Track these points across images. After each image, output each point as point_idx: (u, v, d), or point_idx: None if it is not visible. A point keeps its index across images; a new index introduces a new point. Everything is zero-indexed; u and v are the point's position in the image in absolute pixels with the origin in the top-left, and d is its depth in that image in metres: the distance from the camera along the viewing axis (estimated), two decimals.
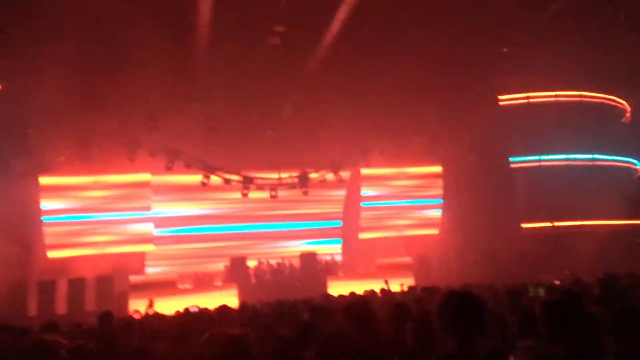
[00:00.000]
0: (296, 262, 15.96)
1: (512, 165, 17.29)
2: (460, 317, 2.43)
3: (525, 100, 17.29)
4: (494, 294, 6.91)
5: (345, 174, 16.95)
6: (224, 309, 7.28)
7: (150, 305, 6.35)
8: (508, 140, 16.56)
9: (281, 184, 16.19)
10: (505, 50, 13.48)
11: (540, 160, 17.40)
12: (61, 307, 13.00)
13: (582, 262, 13.36)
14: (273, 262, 15.99)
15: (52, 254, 14.41)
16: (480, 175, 16.08)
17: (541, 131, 16.25)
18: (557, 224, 16.71)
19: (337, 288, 13.36)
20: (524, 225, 16.63)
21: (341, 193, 18.00)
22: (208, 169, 15.10)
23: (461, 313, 2.44)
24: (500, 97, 16.94)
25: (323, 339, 2.66)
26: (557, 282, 10.52)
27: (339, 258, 17.49)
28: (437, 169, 18.08)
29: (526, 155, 17.37)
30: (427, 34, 11.77)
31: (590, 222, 16.55)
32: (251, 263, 15.65)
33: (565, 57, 14.29)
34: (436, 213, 18.08)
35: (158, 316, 8.09)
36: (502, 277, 10.75)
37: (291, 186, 16.29)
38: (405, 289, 10.07)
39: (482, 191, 15.87)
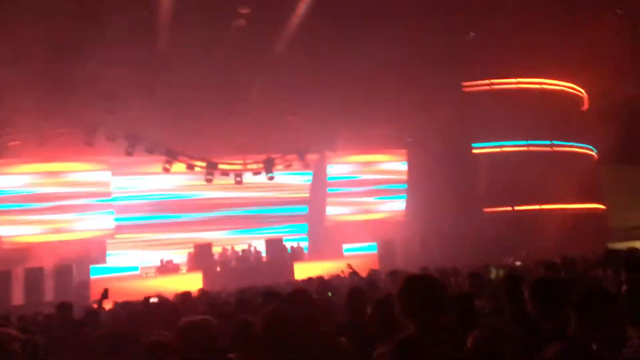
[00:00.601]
0: (262, 249, 15.86)
1: (475, 151, 17.62)
2: (419, 300, 2.44)
3: (488, 87, 17.59)
4: (455, 277, 7.05)
5: (311, 159, 16.91)
6: (185, 296, 7.21)
7: (105, 296, 6.16)
8: (471, 127, 16.83)
9: (246, 170, 16.02)
10: (472, 34, 13.57)
11: (501, 146, 17.80)
12: (18, 298, 12.56)
13: (541, 245, 13.78)
14: (238, 248, 15.85)
15: (6, 242, 13.87)
16: (443, 161, 16.33)
17: (503, 118, 16.58)
18: (517, 208, 17.18)
19: (304, 272, 13.43)
20: (486, 210, 17.01)
21: (307, 178, 17.97)
22: (170, 154, 14.77)
23: (420, 296, 2.45)
24: (464, 83, 17.17)
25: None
26: (517, 263, 10.85)
27: (305, 243, 17.51)
28: (402, 154, 18.26)
29: (488, 141, 17.72)
30: (393, 20, 11.77)
31: (549, 206, 17.10)
32: (216, 250, 15.46)
33: (528, 44, 14.59)
34: (401, 198, 18.30)
35: (121, 305, 7.92)
36: (465, 260, 10.98)
37: (257, 172, 16.15)
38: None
39: (445, 176, 16.12)
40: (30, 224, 14.37)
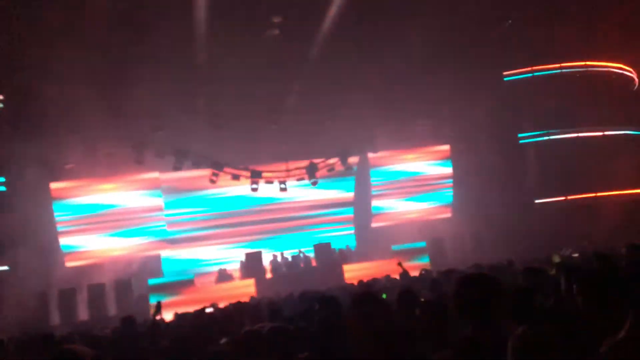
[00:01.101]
0: (311, 254, 15.97)
1: (522, 141, 17.11)
2: (475, 300, 2.41)
3: (531, 74, 17.04)
4: (511, 272, 6.87)
5: (353, 161, 16.91)
6: (239, 305, 7.39)
7: (158, 309, 6.36)
8: (515, 116, 16.38)
9: (289, 176, 16.19)
10: (509, 21, 13.23)
11: (549, 134, 17.20)
12: (83, 314, 13.16)
13: (599, 234, 13.23)
14: (288, 255, 16.03)
15: (70, 263, 14.60)
16: (489, 153, 15.93)
17: (548, 104, 16.06)
18: (571, 197, 16.55)
19: (354, 274, 13.44)
20: (538, 201, 16.48)
21: (350, 180, 17.96)
22: (216, 166, 15.14)
23: (477, 296, 2.42)
24: (505, 72, 16.72)
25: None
26: (574, 255, 10.45)
27: (353, 246, 17.49)
28: (446, 149, 17.97)
29: (535, 129, 17.17)
30: (428, 12, 11.64)
31: (605, 193, 16.37)
32: (266, 257, 15.70)
33: (569, 26, 14.09)
34: (447, 194, 18.00)
35: (179, 317, 8.18)
36: (519, 254, 10.69)
37: (300, 177, 16.30)
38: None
39: (492, 169, 15.74)
40: (89, 241, 15.06)
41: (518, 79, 16.94)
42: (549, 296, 4.23)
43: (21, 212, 12.41)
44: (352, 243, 17.69)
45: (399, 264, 9.88)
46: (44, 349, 4.01)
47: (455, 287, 2.54)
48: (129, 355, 4.48)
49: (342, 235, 17.68)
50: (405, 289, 4.42)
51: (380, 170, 17.85)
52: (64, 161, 13.31)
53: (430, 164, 18.12)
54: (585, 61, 17.13)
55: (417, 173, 18.01)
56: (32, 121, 11.61)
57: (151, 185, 15.66)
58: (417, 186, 17.97)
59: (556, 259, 7.94)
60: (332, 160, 16.42)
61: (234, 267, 15.74)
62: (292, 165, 16.26)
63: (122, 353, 4.65)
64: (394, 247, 15.49)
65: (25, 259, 12.22)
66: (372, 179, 17.77)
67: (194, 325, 6.67)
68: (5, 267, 12.46)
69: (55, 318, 12.73)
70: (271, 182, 16.10)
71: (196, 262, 16.34)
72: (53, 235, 14.43)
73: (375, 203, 17.87)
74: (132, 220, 15.47)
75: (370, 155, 17.42)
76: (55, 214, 14.54)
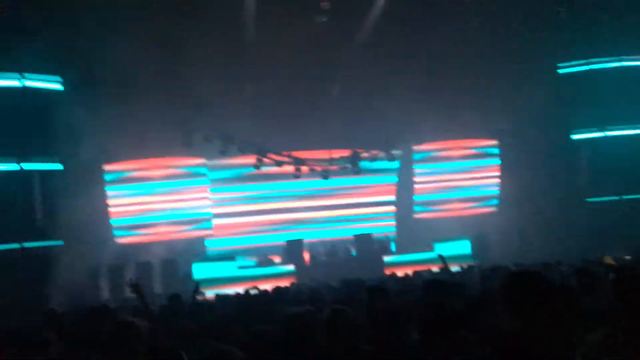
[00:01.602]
0: (351, 244, 15.98)
1: (575, 137, 16.43)
2: (523, 296, 2.35)
3: (587, 67, 16.28)
4: (560, 272, 6.68)
5: (397, 152, 16.73)
6: (278, 289, 7.53)
7: (197, 288, 6.56)
8: (569, 111, 15.73)
9: (333, 165, 16.21)
10: (561, 10, 12.65)
11: (604, 131, 16.43)
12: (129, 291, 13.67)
13: None
14: (328, 243, 16.11)
15: (120, 240, 15.23)
16: (540, 149, 15.39)
17: (605, 100, 15.33)
18: (625, 197, 15.80)
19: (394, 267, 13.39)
20: (589, 200, 15.83)
21: (394, 171, 17.79)
22: (261, 152, 15.34)
23: (525, 292, 2.36)
24: (560, 64, 16.05)
25: None
26: (627, 257, 10.00)
27: (394, 238, 17.38)
28: (494, 143, 17.50)
29: (589, 126, 16.44)
30: (479, 2, 11.32)
31: None
32: (307, 245, 15.84)
33: (627, 19, 13.37)
34: (494, 189, 17.57)
35: (221, 297, 8.39)
36: (567, 254, 10.34)
37: (343, 166, 16.29)
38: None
39: (542, 165, 15.20)
40: (139, 221, 15.68)
41: (573, 71, 16.23)
42: (601, 299, 4.08)
43: (75, 190, 12.95)
44: (393, 235, 17.56)
45: (440, 257, 9.70)
46: (99, 320, 4.21)
47: (504, 282, 2.49)
48: (174, 331, 4.62)
49: (383, 227, 17.58)
50: (433, 280, 4.42)
51: (424, 163, 17.59)
52: (117, 142, 13.75)
53: (477, 157, 17.71)
54: None
55: (463, 164, 17.64)
56: (89, 103, 12.06)
57: (198, 170, 16.08)
58: (463, 179, 17.63)
59: (608, 260, 7.63)
60: (375, 151, 16.31)
61: (275, 252, 15.97)
62: (336, 153, 16.26)
63: (169, 328, 4.81)
64: (436, 243, 15.24)
65: (79, 235, 12.79)
66: (415, 170, 17.55)
67: (237, 305, 6.86)
68: (59, 242, 13.08)
69: (105, 293, 13.33)
70: (314, 170, 16.17)
71: (238, 245, 16.65)
72: (105, 213, 15.07)
73: (418, 195, 17.66)
74: (179, 202, 15.95)
75: (415, 146, 17.19)
76: (108, 192, 15.18)
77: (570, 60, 16.14)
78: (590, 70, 16.25)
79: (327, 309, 3.16)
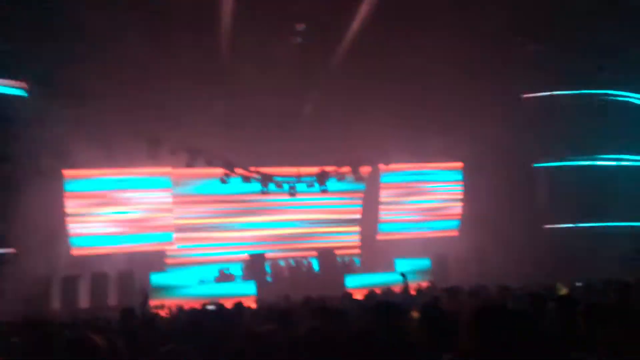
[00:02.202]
0: (314, 260, 15.96)
1: (535, 165, 16.98)
2: (495, 335, 2.36)
3: (550, 98, 16.93)
4: (514, 298, 6.80)
5: (364, 172, 16.91)
6: (240, 306, 7.39)
7: (146, 300, 6.42)
8: (531, 138, 16.28)
9: (300, 182, 16.23)
10: (532, 45, 13.20)
11: (564, 160, 17.06)
12: (84, 301, 13.25)
13: (608, 266, 13.06)
14: (291, 260, 16.04)
15: (76, 251, 14.75)
16: (501, 175, 15.84)
17: (566, 129, 15.95)
18: (581, 225, 16.36)
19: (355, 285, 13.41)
20: (547, 226, 16.32)
21: (360, 191, 17.94)
22: (228, 166, 15.22)
23: (497, 332, 2.37)
24: (524, 95, 16.64)
25: None
26: (578, 284, 10.30)
27: (357, 257, 17.44)
28: (458, 167, 17.91)
29: (549, 154, 17.03)
30: (450, 30, 11.64)
31: (618, 223, 16.16)
32: (269, 260, 15.72)
33: (593, 53, 14.03)
34: (456, 213, 17.91)
35: (179, 310, 8.20)
36: (523, 279, 10.59)
37: (310, 184, 16.33)
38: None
39: (503, 191, 15.63)
40: (96, 231, 15.22)
41: (536, 102, 16.83)
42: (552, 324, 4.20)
43: (31, 196, 12.53)
44: (356, 254, 17.64)
45: (402, 275, 9.77)
46: (35, 334, 4.01)
47: (475, 317, 2.48)
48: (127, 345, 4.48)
49: (347, 246, 17.63)
50: (385, 302, 4.44)
51: (390, 182, 17.82)
52: (78, 149, 13.41)
53: (440, 181, 18.07)
54: (605, 89, 16.98)
55: (428, 189, 17.95)
56: (52, 108, 11.75)
57: (162, 182, 15.82)
58: (427, 201, 17.92)
59: (561, 290, 7.82)
60: (343, 169, 16.44)
61: (236, 267, 15.77)
62: (303, 170, 16.30)
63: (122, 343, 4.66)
64: (397, 261, 15.41)
65: (32, 244, 12.33)
66: (381, 191, 17.75)
67: (191, 320, 6.70)
68: (11, 250, 12.58)
69: (57, 303, 12.86)
70: (281, 186, 16.14)
71: (199, 260, 16.37)
72: (61, 222, 14.59)
73: (382, 215, 17.84)
74: (141, 211, 15.60)
75: (382, 167, 17.42)
76: (65, 198, 14.73)
77: (534, 91, 16.75)
78: (552, 101, 16.90)
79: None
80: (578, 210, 16.20)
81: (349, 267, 16.23)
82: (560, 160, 17.04)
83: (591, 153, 16.86)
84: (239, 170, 15.48)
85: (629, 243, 14.91)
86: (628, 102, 17.38)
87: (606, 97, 17.00)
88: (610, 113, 16.39)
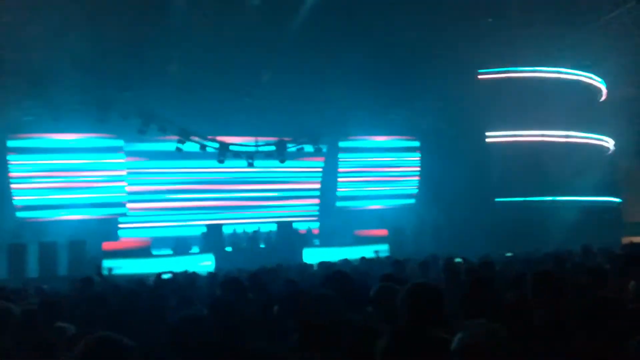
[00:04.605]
0: (273, 231, 15.95)
1: (488, 140, 17.44)
2: (421, 311, 2.51)
3: (504, 75, 17.32)
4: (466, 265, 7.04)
5: (323, 144, 16.89)
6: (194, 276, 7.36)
7: (98, 271, 6.29)
8: (485, 114, 16.66)
9: (258, 152, 16.03)
10: (490, 19, 13.37)
11: (515, 135, 17.58)
12: (33, 270, 12.77)
13: (553, 238, 13.71)
14: (249, 230, 15.96)
15: (21, 214, 14.10)
16: (456, 148, 16.19)
17: (518, 106, 16.40)
18: (529, 198, 17.03)
19: (313, 257, 13.50)
20: (498, 200, 16.89)
21: (319, 164, 17.94)
22: (183, 134, 14.78)
23: (422, 308, 2.51)
24: (480, 71, 16.94)
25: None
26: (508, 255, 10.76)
27: (315, 228, 17.56)
28: (415, 141, 18.16)
29: (502, 129, 17.51)
30: (410, 2, 11.62)
31: (563, 197, 16.92)
32: (227, 230, 15.59)
33: (546, 32, 14.37)
34: (413, 185, 18.24)
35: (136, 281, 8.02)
36: (475, 250, 10.95)
37: (268, 154, 16.15)
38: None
39: (458, 164, 16.01)
40: (45, 197, 14.57)
41: (491, 78, 17.18)
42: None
43: None
44: (315, 226, 17.74)
45: (376, 252, 10.03)
46: None
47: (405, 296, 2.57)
48: (84, 315, 4.33)
49: (306, 218, 17.70)
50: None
51: (349, 155, 17.89)
52: (23, 113, 12.72)
53: (398, 154, 18.29)
54: (558, 68, 17.52)
55: (385, 162, 18.15)
56: None
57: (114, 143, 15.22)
58: (384, 174, 18.14)
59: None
60: (302, 140, 16.34)
61: (193, 237, 15.56)
62: (262, 140, 16.10)
63: (79, 313, 4.50)
64: (356, 234, 15.66)
65: None
66: (340, 163, 17.81)
67: (151, 288, 6.58)
68: None
69: (2, 272, 12.35)
70: (239, 156, 15.90)
71: (155, 230, 16.04)
72: (5, 185, 13.91)
73: (341, 188, 17.95)
74: (92, 178, 15.03)
75: (341, 139, 17.43)
76: (10, 162, 14.00)
77: (489, 67, 17.07)
78: (508, 77, 17.30)
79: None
80: (527, 184, 16.80)
81: (307, 239, 16.31)
82: (511, 135, 17.55)
83: (542, 128, 17.42)
84: (194, 138, 15.09)
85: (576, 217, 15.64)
86: (579, 82, 18.01)
87: (557, 75, 17.54)
88: (561, 92, 16.93)
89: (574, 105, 16.86)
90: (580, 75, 17.99)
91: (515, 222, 15.41)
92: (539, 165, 16.48)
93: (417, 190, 18.12)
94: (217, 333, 2.90)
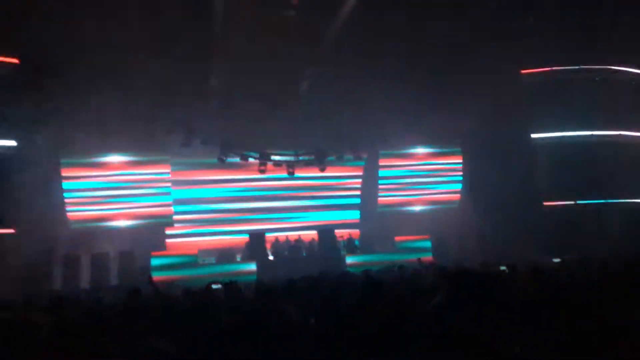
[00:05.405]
0: (314, 239, 15.98)
1: (534, 141, 16.86)
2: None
3: (549, 73, 16.72)
4: (514, 274, 6.81)
5: (363, 152, 16.82)
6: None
7: (150, 281, 6.43)
8: (530, 115, 16.15)
9: (298, 162, 16.14)
10: (532, 18, 13.00)
11: (563, 136, 16.93)
12: (85, 282, 13.29)
13: (607, 243, 13.09)
14: (291, 238, 16.07)
15: (76, 227, 14.74)
16: (500, 152, 15.74)
17: (565, 106, 15.81)
18: (581, 202, 16.33)
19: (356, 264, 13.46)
20: (547, 203, 16.29)
21: (359, 171, 17.89)
22: (225, 146, 15.11)
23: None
24: (523, 70, 16.45)
25: None
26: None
27: (357, 236, 17.47)
28: (457, 144, 17.82)
29: (549, 130, 16.90)
30: (450, 5, 11.45)
31: (616, 200, 16.12)
32: (270, 238, 15.75)
33: (592, 27, 13.84)
34: (455, 191, 17.88)
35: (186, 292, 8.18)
36: (523, 256, 10.61)
37: (308, 163, 16.24)
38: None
39: (502, 168, 15.56)
40: (96, 212, 15.21)
41: (536, 77, 16.64)
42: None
43: (30, 175, 12.47)
44: (356, 233, 17.68)
45: (419, 260, 9.97)
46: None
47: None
48: (134, 326, 4.45)
49: (347, 224, 17.66)
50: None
51: (389, 162, 17.75)
52: (75, 130, 13.31)
53: (440, 159, 18.00)
54: (607, 65, 16.77)
55: (427, 165, 17.89)
56: (49, 88, 11.61)
57: (160, 161, 15.74)
58: (426, 179, 17.87)
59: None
60: (342, 151, 16.35)
61: (236, 247, 15.81)
62: (302, 151, 16.21)
63: (128, 324, 4.63)
64: (399, 241, 15.47)
65: (32, 223, 12.32)
66: (380, 170, 17.69)
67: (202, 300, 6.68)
68: (10, 230, 12.57)
69: (57, 284, 12.90)
70: (279, 166, 16.07)
71: (200, 239, 16.40)
72: (60, 201, 14.58)
73: (382, 194, 17.80)
74: (140, 191, 15.56)
75: (381, 146, 17.31)
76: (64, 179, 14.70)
77: (533, 66, 16.54)
78: (552, 76, 16.69)
79: None
80: (576, 187, 16.13)
81: (349, 247, 16.24)
82: (560, 136, 16.89)
83: (592, 127, 16.69)
84: (235, 150, 15.38)
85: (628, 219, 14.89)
86: (629, 77, 17.17)
87: (606, 71, 16.79)
88: (610, 89, 16.21)
89: (625, 103, 16.10)
90: (631, 71, 17.15)
91: (564, 227, 14.81)
92: (590, 166, 15.80)
93: (459, 195, 17.74)
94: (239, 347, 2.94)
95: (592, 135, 16.74)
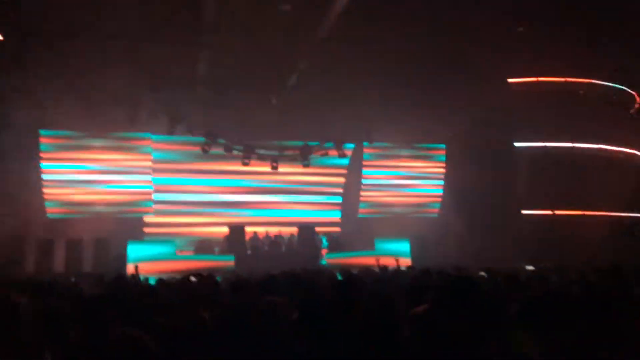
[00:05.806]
0: (294, 234, 15.92)
1: (516, 149, 17.09)
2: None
3: (535, 83, 16.96)
4: (492, 278, 6.89)
5: (347, 149, 16.82)
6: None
7: (136, 272, 6.35)
8: (514, 123, 16.35)
9: (282, 156, 16.06)
10: (521, 28, 13.14)
11: (545, 146, 17.19)
12: (59, 267, 13.04)
13: (582, 253, 13.33)
14: (271, 233, 15.99)
15: (51, 215, 14.43)
16: (483, 157, 15.91)
17: (548, 116, 16.05)
18: (558, 212, 16.61)
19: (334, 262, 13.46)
20: (524, 212, 16.53)
21: (343, 168, 17.88)
22: (210, 136, 14.94)
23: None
24: (510, 78, 16.64)
25: None
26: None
27: (336, 234, 17.46)
28: (440, 147, 17.96)
29: (531, 139, 17.15)
30: (440, 8, 11.49)
31: (592, 212, 16.44)
32: (249, 232, 15.64)
33: (579, 42, 14.05)
34: (437, 193, 18.02)
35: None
36: (499, 262, 10.74)
37: (292, 158, 16.18)
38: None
39: (484, 173, 15.72)
40: (73, 196, 14.90)
41: (521, 86, 16.86)
42: None
43: (6, 158, 12.18)
44: (337, 231, 17.66)
45: (396, 259, 10.00)
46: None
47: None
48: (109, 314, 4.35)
49: (327, 222, 17.65)
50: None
51: (373, 159, 17.78)
52: (55, 108, 12.99)
53: (423, 161, 18.11)
54: (590, 79, 17.08)
55: (410, 169, 18.00)
56: (30, 61, 11.31)
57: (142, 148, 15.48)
58: (408, 181, 17.97)
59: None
60: (327, 145, 16.31)
61: (215, 239, 15.67)
62: (286, 144, 16.13)
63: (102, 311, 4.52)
64: (377, 241, 15.49)
65: (7, 205, 12.04)
66: (364, 169, 17.71)
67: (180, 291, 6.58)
68: None
69: (30, 269, 12.63)
70: (263, 159, 15.97)
71: (179, 229, 16.21)
72: (38, 184, 14.26)
73: (364, 193, 17.84)
74: (120, 178, 15.29)
75: (365, 145, 17.34)
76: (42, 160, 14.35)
77: (519, 75, 16.75)
78: (538, 86, 16.92)
79: None
80: (556, 197, 16.40)
81: (330, 245, 16.21)
82: (542, 146, 17.15)
83: (572, 139, 16.97)
84: (220, 141, 15.22)
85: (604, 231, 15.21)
86: (611, 93, 17.53)
87: (591, 85, 17.11)
88: (592, 102, 16.52)
89: (606, 116, 16.42)
90: (613, 85, 17.51)
91: (541, 236, 15.05)
92: (568, 177, 16.07)
93: (440, 198, 17.89)
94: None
95: (572, 147, 17.05)
